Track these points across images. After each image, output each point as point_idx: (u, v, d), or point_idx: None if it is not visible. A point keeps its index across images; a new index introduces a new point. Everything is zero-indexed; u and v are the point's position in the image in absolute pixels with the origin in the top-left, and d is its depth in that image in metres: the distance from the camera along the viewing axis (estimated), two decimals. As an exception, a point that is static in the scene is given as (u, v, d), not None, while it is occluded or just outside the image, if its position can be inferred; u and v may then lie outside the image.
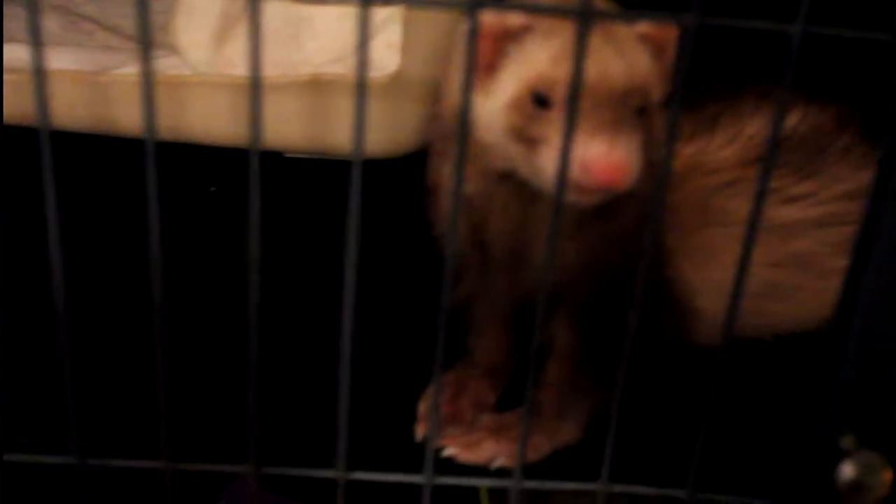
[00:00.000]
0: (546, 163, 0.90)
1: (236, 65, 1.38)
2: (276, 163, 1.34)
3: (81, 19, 1.57)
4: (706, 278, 1.13)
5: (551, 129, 0.90)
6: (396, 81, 1.29)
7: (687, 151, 1.18)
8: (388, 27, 1.30)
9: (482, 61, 0.94)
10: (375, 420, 1.07)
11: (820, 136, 1.22)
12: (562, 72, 0.89)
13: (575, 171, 0.87)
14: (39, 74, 0.73)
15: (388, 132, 1.32)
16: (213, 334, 1.19)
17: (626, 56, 0.91)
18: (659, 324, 1.11)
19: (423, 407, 1.12)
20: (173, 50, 1.46)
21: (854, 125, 1.24)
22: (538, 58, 0.92)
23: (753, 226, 0.81)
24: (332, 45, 1.39)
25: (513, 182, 0.99)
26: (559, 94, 0.90)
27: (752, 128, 1.19)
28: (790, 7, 0.73)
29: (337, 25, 1.40)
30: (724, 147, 1.19)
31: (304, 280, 1.29)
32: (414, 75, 1.28)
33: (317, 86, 1.30)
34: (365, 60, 0.70)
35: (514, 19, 0.92)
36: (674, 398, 1.13)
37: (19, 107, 1.27)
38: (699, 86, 1.20)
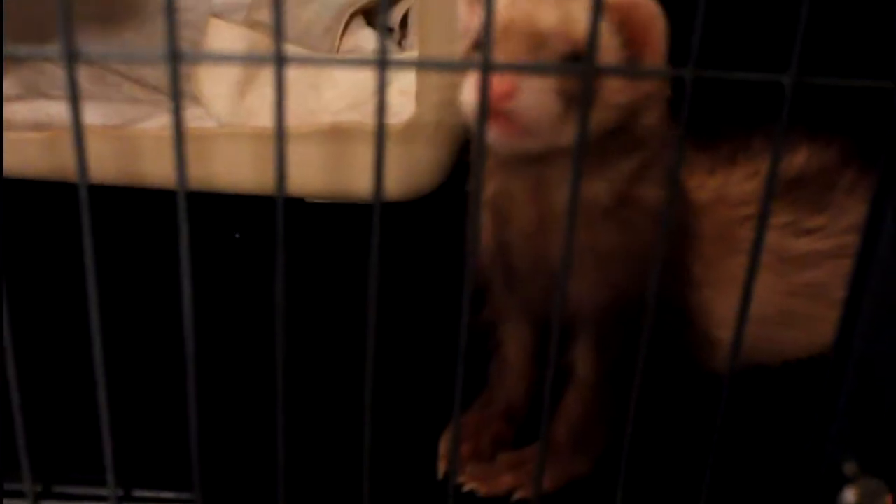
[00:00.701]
0: (462, 95, 0.93)
1: (258, 114, 1.44)
2: (298, 208, 1.39)
3: (107, 72, 1.63)
4: (729, 306, 1.17)
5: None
6: (411, 127, 1.33)
7: (711, 184, 1.23)
8: (402, 75, 1.36)
9: (462, 25, 1.01)
10: (398, 458, 1.11)
11: (828, 173, 1.28)
12: (502, 13, 0.93)
13: (469, 93, 0.91)
14: (79, 134, 0.79)
15: (404, 176, 1.36)
16: (240, 376, 1.23)
17: (566, 7, 0.94)
18: (679, 351, 1.16)
19: (443, 445, 1.15)
20: (196, 100, 1.52)
21: (857, 160, 1.30)
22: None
23: (756, 255, 0.86)
24: (349, 92, 1.45)
25: (528, 177, 1.03)
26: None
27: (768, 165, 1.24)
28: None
29: (354, 74, 1.46)
30: (745, 181, 1.24)
31: (327, 321, 1.33)
32: (428, 121, 1.32)
33: (336, 134, 1.34)
34: (383, 115, 0.76)
35: None
36: (686, 423, 1.16)
37: (51, 163, 1.34)
38: (711, 125, 1.27)
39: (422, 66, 0.93)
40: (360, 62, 0.76)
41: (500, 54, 0.91)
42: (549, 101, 0.91)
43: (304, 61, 0.77)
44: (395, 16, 1.71)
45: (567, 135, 0.92)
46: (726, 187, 1.24)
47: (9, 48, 0.80)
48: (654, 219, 1.04)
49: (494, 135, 0.91)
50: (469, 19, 1.01)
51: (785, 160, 1.26)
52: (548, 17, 0.93)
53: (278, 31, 0.75)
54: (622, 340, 1.08)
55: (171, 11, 0.74)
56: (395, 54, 1.48)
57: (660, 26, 0.96)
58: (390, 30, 1.65)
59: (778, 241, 1.23)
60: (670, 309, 0.90)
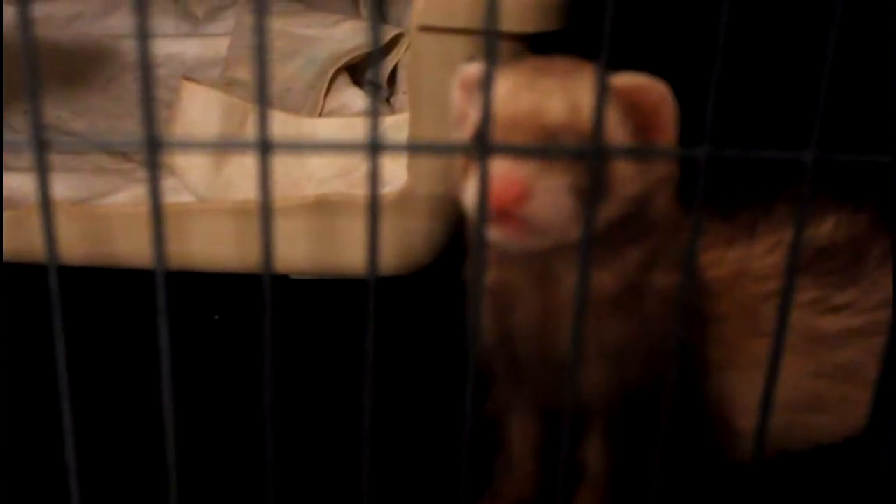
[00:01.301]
0: (466, 191, 0.95)
1: (237, 186, 1.47)
2: (283, 285, 1.41)
3: (71, 139, 1.65)
4: (753, 392, 1.18)
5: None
6: (404, 198, 1.36)
7: (731, 257, 1.25)
8: (395, 137, 1.38)
9: (457, 112, 1.03)
10: None
11: (857, 243, 1.29)
12: (502, 108, 0.95)
13: (471, 196, 0.93)
14: (47, 211, 0.81)
15: (397, 250, 1.39)
16: (226, 460, 1.24)
17: (573, 96, 0.95)
18: (699, 444, 1.17)
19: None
20: (171, 170, 1.54)
21: (888, 227, 1.30)
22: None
23: (781, 335, 0.87)
24: (336, 160, 1.48)
25: (532, 267, 1.04)
26: (494, 130, 0.96)
27: (791, 235, 1.25)
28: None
29: (340, 137, 1.48)
30: (767, 255, 1.26)
31: (316, 407, 1.33)
32: (421, 191, 1.35)
33: (322, 207, 1.37)
34: (377, 203, 0.78)
35: (476, 69, 1.01)
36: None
37: (17, 244, 1.36)
38: (728, 191, 1.29)
39: (416, 149, 0.94)
40: (352, 146, 0.78)
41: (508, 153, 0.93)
42: (563, 201, 0.93)
43: (290, 147, 0.78)
44: (383, 71, 1.74)
45: (578, 230, 0.94)
46: (747, 261, 1.25)
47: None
48: (665, 307, 1.05)
49: (502, 235, 0.93)
50: (465, 107, 1.03)
51: (810, 230, 1.27)
52: (555, 110, 0.95)
53: (263, 118, 0.77)
54: (636, 434, 1.10)
55: (147, 99, 0.76)
56: (386, 116, 1.50)
57: (670, 108, 0.98)
58: (378, 86, 1.68)
59: (804, 319, 1.24)
60: (687, 399, 0.91)
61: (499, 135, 0.93)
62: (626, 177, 0.97)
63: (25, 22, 0.73)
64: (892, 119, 0.82)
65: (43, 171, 0.79)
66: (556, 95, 0.95)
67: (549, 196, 0.92)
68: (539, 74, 0.98)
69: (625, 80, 0.97)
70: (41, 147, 0.78)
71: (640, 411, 1.09)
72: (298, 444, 1.25)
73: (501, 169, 0.90)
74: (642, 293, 1.05)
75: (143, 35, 0.74)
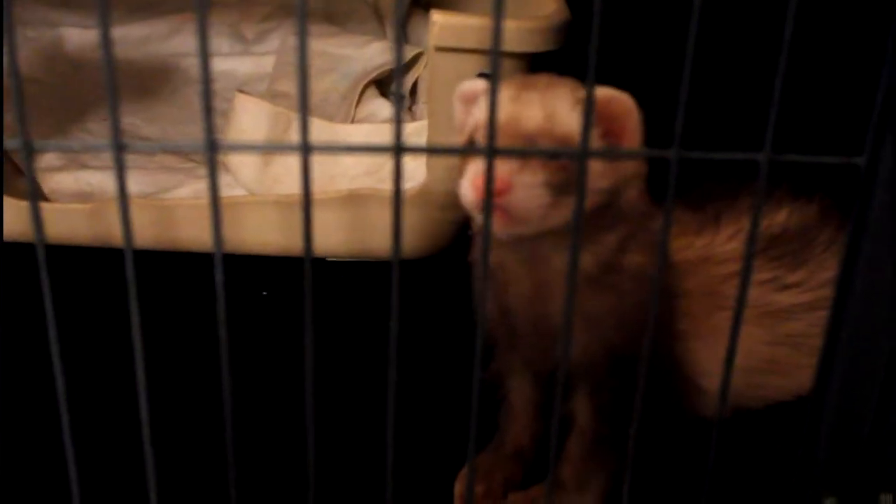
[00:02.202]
0: (461, 186, 0.98)
1: (282, 181, 1.48)
2: (321, 267, 1.43)
3: (143, 142, 1.66)
4: (715, 357, 1.19)
5: (472, 162, 0.98)
6: (423, 193, 1.38)
7: (698, 243, 1.26)
8: (414, 142, 1.41)
9: (458, 123, 1.06)
10: (417, 500, 1.15)
11: (807, 230, 1.31)
12: (485, 118, 0.98)
13: (465, 187, 0.97)
14: (127, 218, 0.83)
15: (418, 237, 1.41)
16: (269, 421, 1.25)
17: (548, 105, 0.99)
18: (669, 399, 1.19)
19: (458, 487, 1.18)
20: (225, 167, 1.56)
21: (835, 218, 1.33)
22: (478, 113, 1.03)
23: (740, 308, 0.89)
24: (364, 160, 1.49)
25: (522, 251, 1.06)
26: (481, 136, 1.00)
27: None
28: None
29: (369, 141, 1.50)
30: (728, 241, 1.27)
31: (348, 369, 1.35)
32: (438, 186, 1.37)
33: (354, 199, 1.39)
34: (400, 197, 0.80)
35: (475, 85, 1.04)
36: (678, 464, 1.18)
37: (95, 231, 1.38)
38: (698, 183, 1.30)
39: (433, 152, 0.96)
40: (379, 149, 0.80)
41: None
42: (539, 193, 0.96)
43: (327, 149, 0.80)
44: (405, 84, 1.75)
45: (554, 219, 0.98)
46: (712, 247, 1.27)
47: (62, 140, 0.85)
48: (639, 283, 1.07)
49: (492, 224, 0.95)
50: (464, 118, 1.06)
51: (767, 219, 1.29)
52: (533, 118, 0.98)
53: (305, 124, 0.78)
54: (616, 391, 1.12)
55: (208, 110, 0.78)
56: (407, 122, 1.52)
57: (634, 117, 1.01)
58: (402, 97, 1.70)
59: (761, 295, 1.26)
60: (659, 362, 0.93)
61: (485, 139, 0.95)
62: (597, 173, 0.99)
63: (106, 42, 0.76)
64: (871, 122, 0.83)
65: (120, 168, 0.81)
66: (535, 106, 0.98)
67: (527, 190, 0.96)
68: (523, 88, 1.00)
69: (596, 93, 0.98)
70: (119, 148, 0.80)
71: (619, 373, 1.10)
72: (328, 392, 1.26)
73: (481, 168, 0.93)
74: (617, 271, 1.07)
75: (204, 54, 0.75)
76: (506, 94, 1.00)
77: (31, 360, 1.19)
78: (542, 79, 1.02)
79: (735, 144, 0.83)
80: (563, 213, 0.98)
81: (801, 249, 1.30)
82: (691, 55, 0.77)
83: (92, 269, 1.43)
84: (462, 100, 1.06)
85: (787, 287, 1.28)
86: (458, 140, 1.06)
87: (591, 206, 1.00)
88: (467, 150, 0.88)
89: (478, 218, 0.98)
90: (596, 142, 1.01)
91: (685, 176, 0.85)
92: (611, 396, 1.13)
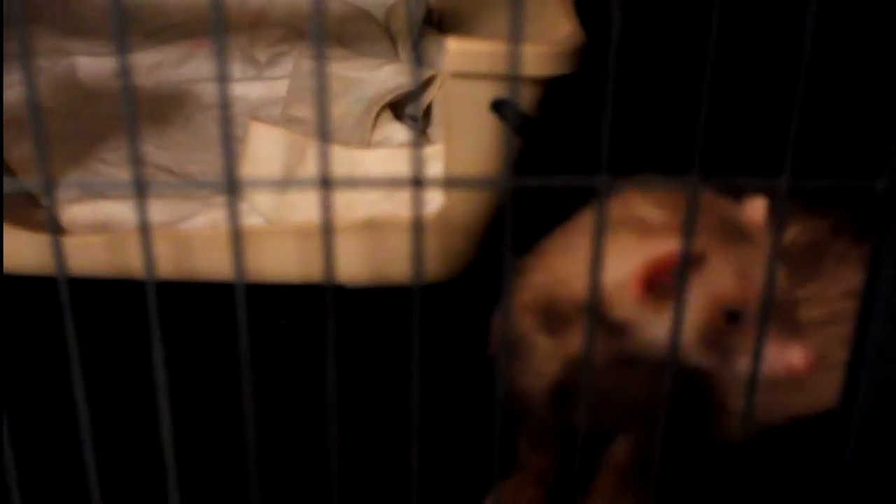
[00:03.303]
0: (744, 368, 1.01)
1: (298, 208, 1.49)
2: (340, 293, 1.44)
3: (158, 170, 1.68)
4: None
5: (745, 340, 1.00)
6: (442, 218, 1.37)
7: None
8: (432, 166, 1.40)
9: (654, 284, 1.01)
10: None
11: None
12: (746, 290, 1.00)
13: (779, 371, 1.01)
14: (147, 238, 0.84)
15: (437, 261, 1.41)
16: (289, 445, 1.26)
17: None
18: (700, 426, 1.20)
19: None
20: (241, 196, 1.57)
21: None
22: (724, 280, 1.01)
23: (763, 326, 0.89)
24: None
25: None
26: (747, 309, 1.00)
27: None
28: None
29: (385, 166, 1.51)
30: None
31: (369, 393, 1.36)
32: (457, 211, 1.37)
33: (372, 226, 1.39)
34: (421, 231, 0.81)
35: (698, 249, 0.99)
36: (702, 489, 1.20)
37: (112, 263, 1.39)
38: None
39: (451, 184, 0.97)
40: (398, 182, 0.81)
41: (778, 328, 1.01)
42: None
43: (347, 184, 0.81)
44: (420, 107, 1.76)
45: None
46: None
47: (79, 172, 0.86)
48: None
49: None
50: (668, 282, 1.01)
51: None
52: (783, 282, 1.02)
53: (324, 156, 0.79)
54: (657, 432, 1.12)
55: (228, 149, 0.79)
56: (425, 146, 1.52)
57: None
58: (416, 120, 1.70)
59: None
60: (696, 389, 0.95)
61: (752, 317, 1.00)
62: None
63: (125, 71, 0.77)
64: (892, 145, 0.83)
65: (143, 208, 0.82)
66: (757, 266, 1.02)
67: None
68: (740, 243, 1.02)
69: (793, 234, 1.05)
70: (141, 189, 0.81)
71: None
72: (349, 416, 1.27)
73: (800, 354, 1.02)
74: None
75: (223, 78, 0.76)
76: (734, 265, 1.00)
77: (51, 394, 1.21)
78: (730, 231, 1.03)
79: (746, 167, 0.84)
80: None
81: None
82: (709, 81, 0.77)
83: (108, 301, 1.44)
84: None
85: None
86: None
87: None
88: (486, 184, 0.88)
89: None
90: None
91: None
92: (653, 438, 1.13)
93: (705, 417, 1.21)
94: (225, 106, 0.75)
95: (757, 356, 0.88)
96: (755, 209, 1.02)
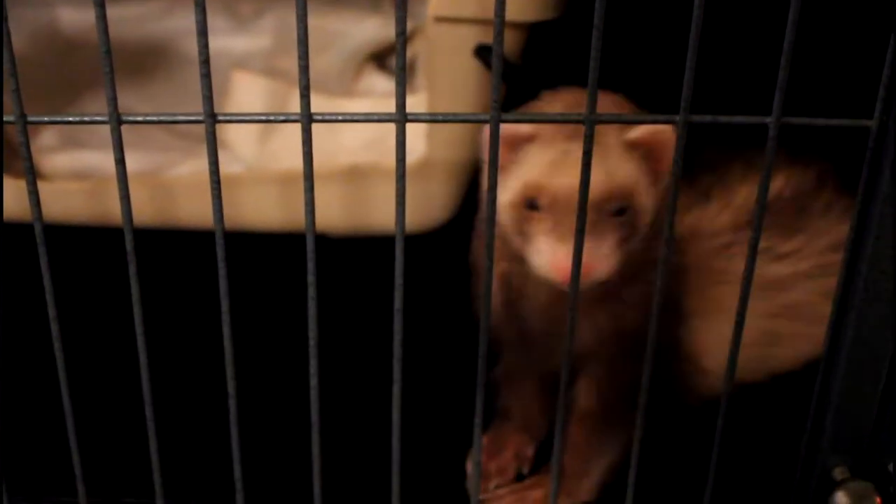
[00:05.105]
0: (533, 257, 0.98)
1: (280, 157, 1.46)
2: (322, 243, 1.40)
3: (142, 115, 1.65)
4: (714, 334, 1.18)
5: (538, 229, 0.97)
6: (424, 166, 1.34)
7: (687, 220, 1.22)
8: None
9: (501, 164, 1.00)
10: (427, 479, 1.15)
11: (802, 197, 1.28)
12: (547, 180, 0.96)
13: (547, 270, 0.96)
14: (126, 193, 0.81)
15: (419, 211, 1.37)
16: (274, 394, 1.26)
17: (607, 165, 0.96)
18: (671, 382, 1.17)
19: (470, 464, 1.18)
20: (223, 143, 1.54)
21: (833, 182, 1.30)
22: (533, 166, 0.98)
23: (748, 281, 0.88)
24: (364, 133, 1.47)
25: None
26: (544, 199, 0.96)
27: (741, 197, 1.25)
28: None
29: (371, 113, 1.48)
30: (719, 213, 1.24)
31: (351, 343, 1.35)
32: (439, 159, 1.34)
33: (354, 174, 1.36)
34: (404, 167, 0.78)
35: (523, 129, 0.98)
36: (676, 444, 1.18)
37: (93, 210, 1.36)
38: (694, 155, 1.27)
39: (436, 120, 0.94)
40: (383, 118, 0.78)
41: (561, 226, 0.95)
42: (615, 256, 0.97)
43: (330, 120, 0.79)
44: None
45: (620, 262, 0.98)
46: (701, 221, 1.24)
47: (57, 113, 0.83)
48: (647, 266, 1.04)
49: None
50: (507, 160, 1.00)
51: (754, 189, 1.26)
52: (598, 182, 0.92)
53: (306, 92, 0.77)
54: (620, 375, 1.11)
55: (207, 79, 0.76)
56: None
57: (673, 144, 0.97)
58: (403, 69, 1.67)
59: (757, 267, 1.23)
60: (663, 343, 0.92)
61: (550, 208, 0.96)
62: (647, 209, 0.99)
63: (103, 21, 0.74)
64: (882, 84, 0.81)
65: (119, 142, 0.79)
66: (595, 166, 0.90)
67: (607, 260, 0.96)
68: (570, 142, 0.96)
69: (641, 131, 0.97)
70: (118, 121, 0.78)
71: (624, 356, 1.09)
72: (333, 380, 1.25)
73: (562, 254, 0.94)
74: (648, 262, 1.04)
75: (204, 32, 0.74)
76: (555, 151, 0.97)
77: (32, 344, 1.18)
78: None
79: (734, 110, 0.81)
80: (627, 254, 0.98)
81: (797, 217, 1.27)
82: (699, 19, 0.75)
83: (89, 249, 1.41)
84: (506, 143, 0.99)
85: (783, 256, 1.25)
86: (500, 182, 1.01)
87: (645, 231, 1.00)
88: (472, 119, 0.85)
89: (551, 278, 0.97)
90: (647, 180, 0.99)
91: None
92: (616, 381, 1.12)
93: (677, 375, 1.19)
94: (203, 32, 0.72)
95: (740, 315, 0.86)
96: (639, 129, 0.98)
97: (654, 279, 1.04)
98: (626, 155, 0.98)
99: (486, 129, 0.97)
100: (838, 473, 0.97)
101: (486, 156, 0.94)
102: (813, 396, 0.97)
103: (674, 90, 0.81)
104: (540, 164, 0.98)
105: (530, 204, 0.98)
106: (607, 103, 1.00)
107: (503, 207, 1.00)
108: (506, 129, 0.97)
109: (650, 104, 0.99)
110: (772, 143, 0.80)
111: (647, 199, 0.97)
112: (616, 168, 0.97)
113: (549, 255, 0.95)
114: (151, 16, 1.92)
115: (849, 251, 0.89)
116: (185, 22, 1.90)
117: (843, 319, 0.93)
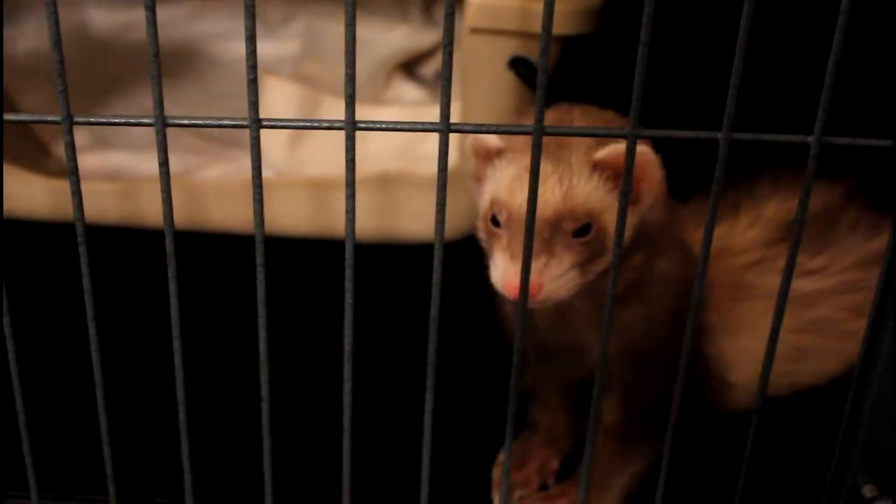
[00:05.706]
0: (491, 272, 0.96)
1: (312, 163, 1.46)
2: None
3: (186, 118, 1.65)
4: (739, 349, 1.19)
5: (497, 245, 0.96)
6: (455, 175, 1.32)
7: (717, 233, 1.22)
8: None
9: (475, 175, 1.03)
10: (453, 487, 1.12)
11: (830, 213, 1.28)
12: (505, 197, 0.96)
13: (500, 287, 0.94)
14: (168, 196, 0.81)
15: (449, 219, 1.36)
16: (293, 404, 1.23)
17: (567, 184, 0.95)
18: (695, 397, 1.17)
19: (497, 473, 1.18)
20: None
21: (860, 198, 1.30)
22: (497, 181, 0.98)
23: (783, 301, 0.87)
24: (393, 142, 1.47)
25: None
26: (503, 216, 0.96)
27: (770, 211, 1.25)
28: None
29: (414, 122, 1.48)
30: (747, 229, 1.24)
31: (382, 350, 1.35)
32: (470, 170, 1.33)
33: (384, 182, 1.36)
34: (445, 177, 0.78)
35: (492, 142, 0.98)
36: (703, 460, 1.17)
37: (123, 211, 1.36)
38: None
39: (480, 131, 0.94)
40: (426, 127, 0.78)
41: (516, 243, 0.93)
42: (570, 277, 0.95)
43: (373, 128, 0.79)
44: (431, 67, 1.73)
45: (586, 283, 0.96)
46: (730, 236, 1.24)
47: (87, 113, 0.83)
48: (666, 287, 1.06)
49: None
50: (482, 171, 1.02)
51: (788, 204, 1.26)
52: (551, 202, 0.93)
53: (351, 100, 0.77)
54: (639, 392, 1.11)
55: (254, 84, 0.77)
56: (433, 106, 1.50)
57: (653, 163, 0.97)
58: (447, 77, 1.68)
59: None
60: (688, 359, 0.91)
61: (509, 224, 0.95)
62: (614, 230, 0.94)
63: (153, 25, 0.74)
64: (892, 106, 0.81)
65: (164, 143, 0.79)
66: (551, 184, 0.93)
67: (557, 280, 0.94)
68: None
69: (607, 151, 0.95)
70: (164, 124, 0.78)
71: (647, 373, 1.09)
72: (366, 390, 1.25)
73: (510, 273, 0.92)
74: (645, 284, 1.05)
75: (252, 38, 0.74)
76: (518, 167, 0.96)
77: (63, 344, 1.18)
78: (551, 140, 0.95)
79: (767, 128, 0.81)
80: (593, 275, 0.96)
81: (824, 233, 1.27)
82: (745, 35, 0.75)
83: (113, 250, 1.41)
84: (477, 153, 1.01)
85: (809, 273, 1.24)
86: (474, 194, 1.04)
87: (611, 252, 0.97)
88: (514, 129, 0.84)
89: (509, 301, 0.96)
90: (616, 203, 0.93)
91: (706, 163, 0.83)
92: (635, 396, 1.12)
93: (700, 388, 1.18)
94: (252, 38, 0.73)
95: (774, 331, 0.86)
96: (605, 150, 0.95)
97: (654, 298, 1.06)
98: (590, 174, 0.96)
99: (472, 138, 1.00)
100: (868, 491, 0.96)
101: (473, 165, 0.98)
102: (844, 413, 0.96)
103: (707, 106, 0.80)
104: (503, 179, 0.97)
105: (493, 219, 0.98)
106: (601, 121, 1.01)
107: (478, 221, 1.01)
108: (477, 140, 1.00)
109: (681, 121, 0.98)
110: (812, 161, 0.80)
111: (614, 220, 0.89)
112: (576, 187, 0.95)
113: (501, 272, 0.94)
114: (181, 19, 1.93)
115: (884, 271, 0.88)
116: (213, 26, 1.91)
117: (877, 337, 0.92)
